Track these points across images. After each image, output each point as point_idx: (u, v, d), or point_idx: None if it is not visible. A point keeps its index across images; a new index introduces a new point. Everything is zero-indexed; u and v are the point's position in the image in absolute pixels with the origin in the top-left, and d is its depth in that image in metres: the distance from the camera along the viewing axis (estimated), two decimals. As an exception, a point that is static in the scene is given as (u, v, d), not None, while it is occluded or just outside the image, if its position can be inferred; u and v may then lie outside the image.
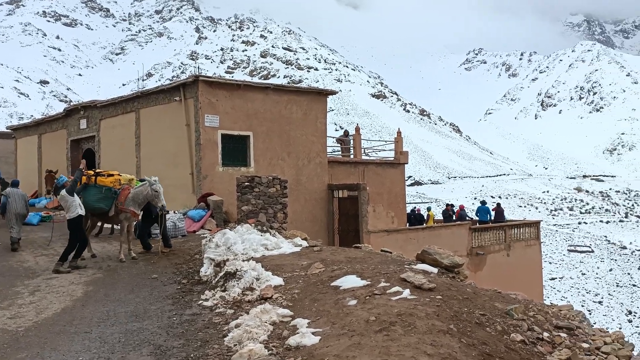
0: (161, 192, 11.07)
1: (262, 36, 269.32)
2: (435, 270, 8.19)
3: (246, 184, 14.06)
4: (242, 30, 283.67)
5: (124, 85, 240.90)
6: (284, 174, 16.47)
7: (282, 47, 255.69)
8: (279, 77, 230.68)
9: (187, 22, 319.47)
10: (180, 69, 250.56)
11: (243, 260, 8.95)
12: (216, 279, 8.47)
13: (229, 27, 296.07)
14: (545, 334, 5.77)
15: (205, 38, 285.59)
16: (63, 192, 10.38)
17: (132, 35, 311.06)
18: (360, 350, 4.93)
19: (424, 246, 9.05)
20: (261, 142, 17.32)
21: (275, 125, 17.70)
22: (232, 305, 7.38)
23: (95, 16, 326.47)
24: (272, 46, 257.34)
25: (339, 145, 24.81)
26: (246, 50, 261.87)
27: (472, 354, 4.97)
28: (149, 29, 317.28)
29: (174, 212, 14.41)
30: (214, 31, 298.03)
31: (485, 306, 6.41)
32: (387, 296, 6.48)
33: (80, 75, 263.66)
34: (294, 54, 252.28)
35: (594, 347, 5.66)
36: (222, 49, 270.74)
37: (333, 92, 19.84)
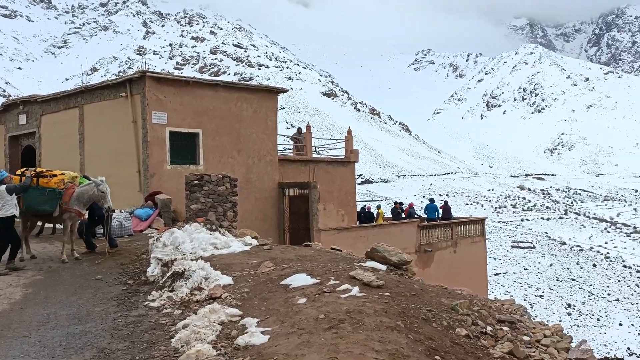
0: (108, 193, 10.75)
1: (212, 32, 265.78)
2: (384, 267, 8.31)
3: (195, 182, 13.84)
4: (192, 25, 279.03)
5: (67, 79, 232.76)
6: (234, 172, 16.30)
7: (233, 44, 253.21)
8: (229, 74, 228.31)
9: (134, 16, 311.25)
10: (127, 64, 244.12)
11: (191, 260, 8.81)
12: (163, 279, 8.30)
13: (178, 22, 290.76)
14: (489, 328, 5.95)
15: (153, 33, 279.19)
16: (2, 187, 9.97)
17: (75, 28, 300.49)
18: (309, 349, 4.94)
19: (374, 244, 9.16)
20: (211, 139, 17.07)
21: (225, 123, 17.49)
22: (180, 305, 7.25)
23: (36, 7, 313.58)
24: (223, 43, 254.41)
25: (291, 143, 24.79)
26: (195, 46, 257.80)
27: (419, 349, 5.07)
28: (94, 22, 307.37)
29: (120, 210, 14.03)
30: (162, 26, 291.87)
31: (432, 302, 6.54)
32: (336, 294, 6.52)
33: (19, 68, 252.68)
34: (245, 51, 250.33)
35: (534, 340, 5.88)
36: (170, 45, 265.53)
37: (284, 90, 19.76)
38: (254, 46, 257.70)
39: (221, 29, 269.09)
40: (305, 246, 11.52)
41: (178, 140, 16.28)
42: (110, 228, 11.36)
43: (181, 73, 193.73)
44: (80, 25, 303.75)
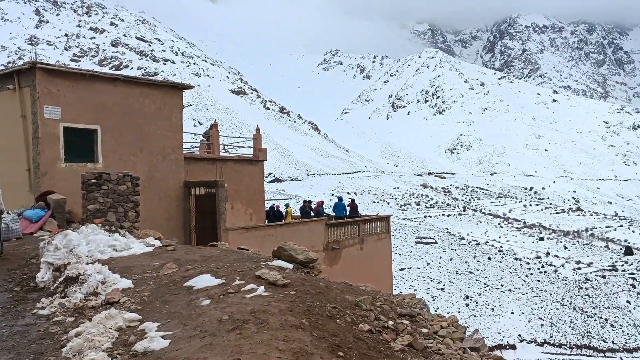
0: (0, 195, 9.90)
1: (112, 24, 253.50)
2: (290, 266, 8.30)
3: (93, 181, 13.11)
4: (90, 15, 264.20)
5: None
6: (136, 170, 15.61)
7: (136, 37, 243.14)
8: (132, 68, 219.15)
9: (25, 3, 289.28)
10: (17, 54, 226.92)
11: (87, 263, 8.33)
12: (55, 285, 7.77)
13: (75, 11, 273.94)
14: (390, 322, 6.12)
15: (47, 22, 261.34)
16: None
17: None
18: (212, 351, 4.84)
19: (281, 242, 9.13)
20: (110, 136, 16.23)
21: (127, 120, 16.70)
22: (73, 312, 6.82)
23: None
24: (124, 35, 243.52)
25: (198, 141, 24.20)
26: (95, 37, 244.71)
27: (323, 346, 5.11)
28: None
29: (8, 212, 12.97)
30: (57, 15, 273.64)
31: (336, 299, 6.63)
32: (241, 294, 6.43)
33: None
34: (149, 44, 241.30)
35: (432, 332, 6.13)
36: (66, 35, 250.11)
37: (189, 87, 19.20)
38: (159, 40, 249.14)
39: (122, 20, 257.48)
40: (211, 246, 11.29)
41: (74, 137, 15.32)
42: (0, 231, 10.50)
43: (79, 66, 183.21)
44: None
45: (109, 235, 10.30)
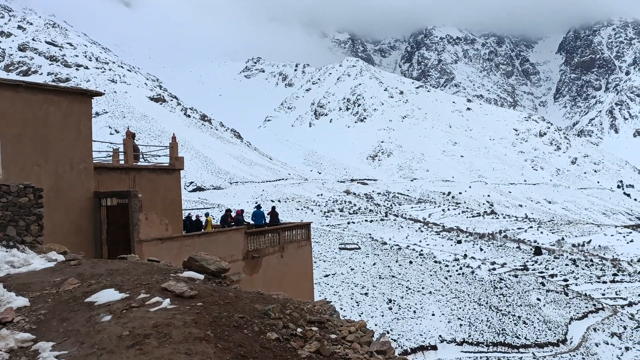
0: None
1: (20, 27, 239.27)
2: (201, 276, 8.12)
3: (-10, 193, 12.25)
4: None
5: None
6: (40, 181, 14.75)
7: (45, 41, 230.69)
8: (41, 73, 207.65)
9: None
10: None
11: (-21, 282, 7.76)
12: (-59, 307, 7.17)
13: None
14: (299, 330, 6.12)
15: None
16: None
17: None
18: (109, 370, 4.63)
19: (192, 253, 8.92)
20: (11, 146, 15.25)
21: (29, 128, 15.76)
22: (-39, 335, 6.31)
23: None
24: (33, 39, 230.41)
25: (111, 150, 23.23)
26: (0, 42, 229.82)
27: (227, 357, 5.03)
28: None
29: None
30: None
31: (245, 309, 6.54)
32: (145, 308, 6.22)
33: None
34: (60, 49, 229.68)
35: (340, 337, 6.19)
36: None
37: (98, 94, 18.37)
38: (71, 45, 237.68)
39: (31, 24, 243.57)
40: (120, 259, 10.85)
41: (-31, 147, 14.28)
42: None
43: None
44: None
45: (7, 251, 9.74)
